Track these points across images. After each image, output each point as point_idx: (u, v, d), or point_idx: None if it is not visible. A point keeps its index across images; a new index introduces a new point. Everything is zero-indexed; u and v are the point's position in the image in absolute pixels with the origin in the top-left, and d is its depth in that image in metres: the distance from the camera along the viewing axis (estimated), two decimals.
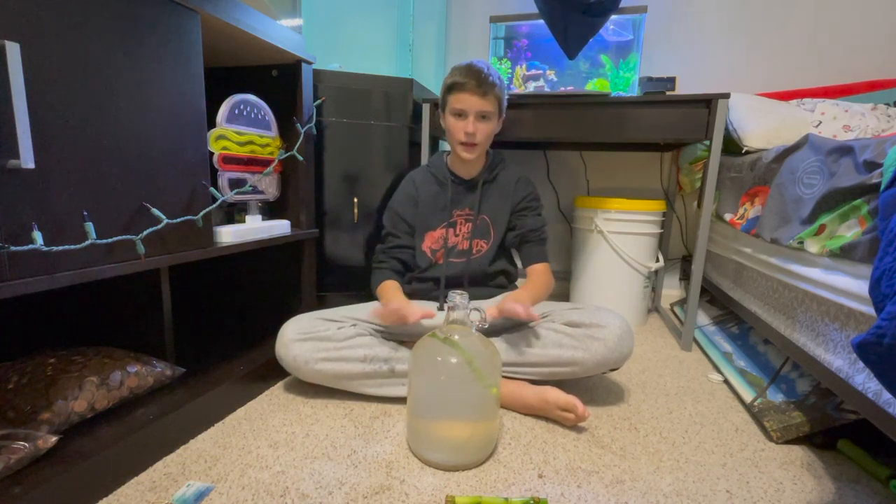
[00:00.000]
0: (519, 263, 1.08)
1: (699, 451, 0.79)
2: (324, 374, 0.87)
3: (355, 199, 1.33)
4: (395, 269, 1.03)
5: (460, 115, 0.95)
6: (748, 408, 0.93)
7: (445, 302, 0.73)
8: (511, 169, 1.05)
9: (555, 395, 0.82)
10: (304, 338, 0.87)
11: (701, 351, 1.29)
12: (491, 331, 0.95)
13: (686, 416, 0.91)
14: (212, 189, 0.81)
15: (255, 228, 0.93)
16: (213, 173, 0.86)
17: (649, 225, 1.44)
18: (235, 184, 0.90)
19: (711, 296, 1.47)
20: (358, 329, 0.90)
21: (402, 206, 1.06)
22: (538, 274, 0.98)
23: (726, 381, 1.04)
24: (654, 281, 1.69)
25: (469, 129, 0.94)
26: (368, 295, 1.47)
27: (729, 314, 1.33)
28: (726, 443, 0.82)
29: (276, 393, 0.95)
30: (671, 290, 1.81)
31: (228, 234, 0.86)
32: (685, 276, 1.75)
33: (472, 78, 0.92)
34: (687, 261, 1.63)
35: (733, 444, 0.82)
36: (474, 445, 0.72)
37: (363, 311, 0.95)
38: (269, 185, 0.99)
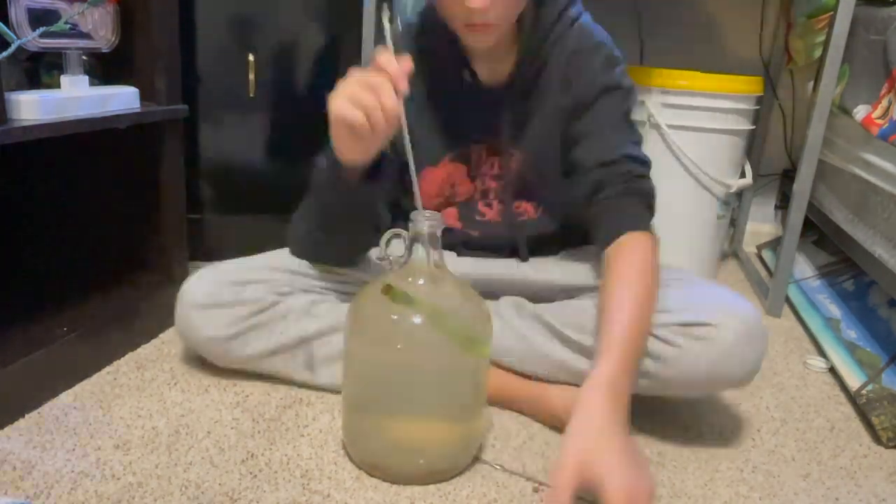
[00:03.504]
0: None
1: (774, 457, 0.88)
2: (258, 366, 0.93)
3: (251, 58, 1.29)
4: None
5: None
6: (853, 398, 1.02)
7: (393, 238, 0.75)
8: (574, 35, 0.90)
9: None
10: (215, 302, 0.90)
11: (795, 317, 1.38)
12: (488, 285, 0.97)
13: (762, 410, 0.99)
14: (0, 25, 0.78)
15: (77, 99, 0.91)
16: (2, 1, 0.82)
17: (735, 117, 1.47)
18: (41, 18, 0.86)
19: (821, 234, 1.54)
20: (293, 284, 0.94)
21: None
22: (628, 268, 0.81)
23: (832, 369, 1.13)
24: (734, 208, 1.75)
25: (478, 3, 0.77)
26: (275, 220, 1.47)
27: (843, 262, 1.41)
28: (814, 446, 0.91)
29: (124, 369, 0.98)
30: (760, 224, 1.89)
31: (32, 107, 0.84)
32: (783, 203, 1.82)
33: None
34: (789, 177, 1.69)
35: (824, 447, 0.91)
36: (444, 450, 0.77)
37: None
38: (99, 24, 0.95)
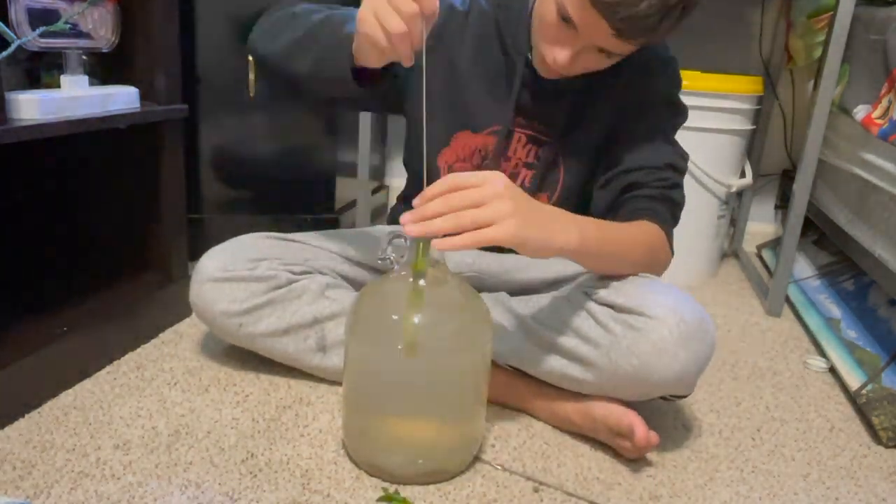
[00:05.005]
0: None
1: (773, 457, 0.88)
2: (268, 348, 0.93)
3: (251, 58, 1.29)
4: None
5: (566, 22, 0.78)
6: (853, 397, 1.02)
7: (391, 243, 0.75)
8: (651, 45, 0.85)
9: (604, 410, 0.83)
10: (230, 276, 0.90)
11: (795, 316, 1.38)
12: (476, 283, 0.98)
13: (761, 410, 0.99)
14: (0, 25, 0.78)
15: (76, 98, 0.91)
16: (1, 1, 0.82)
17: (735, 117, 1.47)
18: (41, 18, 0.87)
19: (821, 233, 1.54)
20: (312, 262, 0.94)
21: None
22: (632, 225, 0.86)
23: (832, 369, 1.13)
24: (734, 208, 1.75)
25: (561, 60, 0.81)
26: (275, 220, 1.47)
27: (843, 262, 1.41)
28: (814, 446, 0.91)
29: (124, 369, 0.98)
30: (760, 224, 1.89)
31: (32, 106, 0.84)
32: (783, 203, 1.82)
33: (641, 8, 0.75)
34: (789, 177, 1.69)
35: (824, 447, 0.91)
36: (445, 450, 0.77)
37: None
38: (99, 24, 0.95)
